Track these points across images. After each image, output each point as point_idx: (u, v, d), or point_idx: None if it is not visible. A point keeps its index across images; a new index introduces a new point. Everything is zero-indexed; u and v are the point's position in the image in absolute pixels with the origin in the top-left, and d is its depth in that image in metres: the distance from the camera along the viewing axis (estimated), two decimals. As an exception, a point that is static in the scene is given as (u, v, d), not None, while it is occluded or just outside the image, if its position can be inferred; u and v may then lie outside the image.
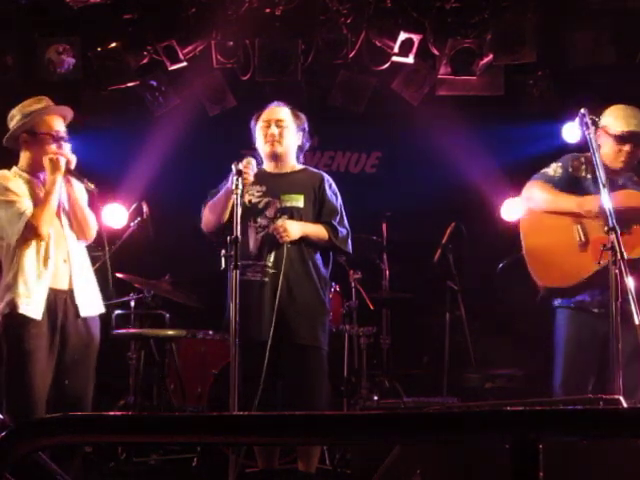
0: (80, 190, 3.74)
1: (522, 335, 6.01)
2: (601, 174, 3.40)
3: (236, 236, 3.49)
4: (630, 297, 3.20)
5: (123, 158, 6.07)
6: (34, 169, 3.67)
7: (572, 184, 3.96)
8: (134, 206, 5.47)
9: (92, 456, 4.66)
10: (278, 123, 3.93)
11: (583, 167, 3.97)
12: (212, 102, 6.26)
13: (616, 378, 3.27)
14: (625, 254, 3.58)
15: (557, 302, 3.99)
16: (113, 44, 5.78)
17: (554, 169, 4.01)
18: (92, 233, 3.75)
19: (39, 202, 3.57)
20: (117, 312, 5.62)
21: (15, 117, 3.65)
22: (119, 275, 5.32)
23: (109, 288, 3.95)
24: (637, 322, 3.12)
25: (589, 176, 3.94)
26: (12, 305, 3.47)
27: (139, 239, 5.45)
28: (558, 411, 1.24)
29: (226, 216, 3.80)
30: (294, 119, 3.98)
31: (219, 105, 6.27)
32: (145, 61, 5.95)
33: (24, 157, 3.68)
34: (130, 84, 5.99)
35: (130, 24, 5.78)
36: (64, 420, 1.39)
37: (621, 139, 3.84)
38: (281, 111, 3.98)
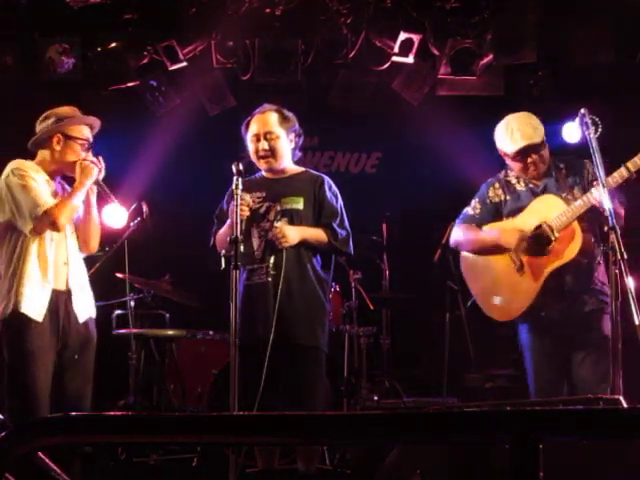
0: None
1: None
2: (601, 174, 3.41)
3: (236, 236, 3.50)
4: (630, 297, 3.20)
5: (123, 158, 6.06)
6: (54, 171, 3.71)
7: (494, 213, 4.00)
8: (134, 206, 5.47)
9: (92, 456, 4.66)
10: (267, 136, 3.85)
11: (499, 192, 4.00)
12: (212, 102, 6.26)
13: (615, 378, 3.28)
14: (561, 262, 3.66)
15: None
16: (113, 44, 5.78)
17: (473, 207, 4.06)
18: (95, 247, 3.83)
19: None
20: (117, 312, 5.62)
21: (50, 118, 3.69)
22: (119, 275, 5.31)
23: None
24: (637, 322, 3.12)
25: (509, 197, 3.97)
26: (15, 305, 3.47)
27: (139, 239, 5.45)
28: (558, 411, 1.24)
29: None
30: (283, 124, 3.89)
31: (219, 105, 6.27)
32: (145, 61, 5.95)
33: (47, 157, 3.69)
34: (130, 84, 5.99)
35: (130, 24, 5.78)
36: (64, 420, 1.39)
37: (519, 156, 3.84)
38: (269, 120, 3.89)
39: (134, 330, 5.37)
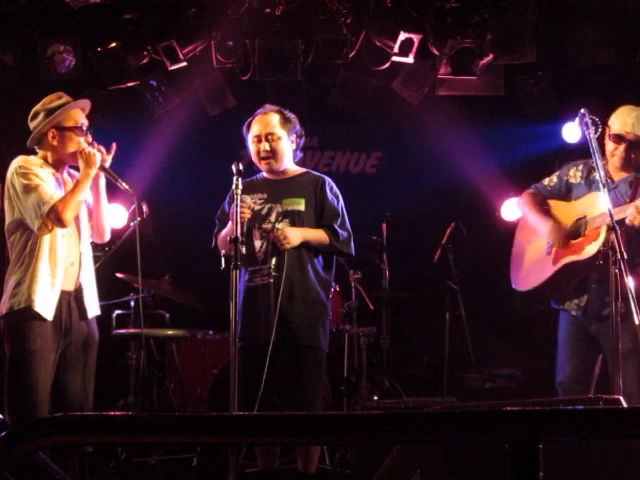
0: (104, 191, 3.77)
1: (522, 335, 6.01)
2: (601, 174, 3.41)
3: (236, 236, 3.50)
4: (630, 297, 3.21)
5: (123, 158, 6.04)
6: (59, 164, 3.67)
7: (565, 192, 4.08)
8: (134, 206, 5.47)
9: (92, 456, 4.66)
10: (269, 137, 3.85)
11: (579, 174, 4.05)
12: (212, 102, 6.26)
13: (615, 378, 3.28)
14: (577, 257, 3.72)
15: (553, 305, 4.08)
16: (113, 44, 5.77)
17: (550, 179, 4.17)
18: (108, 236, 3.82)
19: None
20: (117, 312, 5.62)
21: (39, 114, 3.64)
22: (119, 275, 5.31)
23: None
24: (637, 322, 3.12)
25: (583, 182, 4.02)
26: (28, 302, 3.45)
27: (139, 239, 5.44)
28: (558, 411, 1.24)
29: None
30: (285, 125, 3.90)
31: (219, 105, 6.26)
32: (145, 61, 5.94)
33: (48, 153, 3.65)
34: (130, 84, 5.99)
35: (130, 24, 5.78)
36: (64, 420, 1.39)
37: (616, 139, 3.87)
38: (270, 121, 3.88)
39: (134, 330, 5.37)
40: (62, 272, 3.54)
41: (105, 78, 5.88)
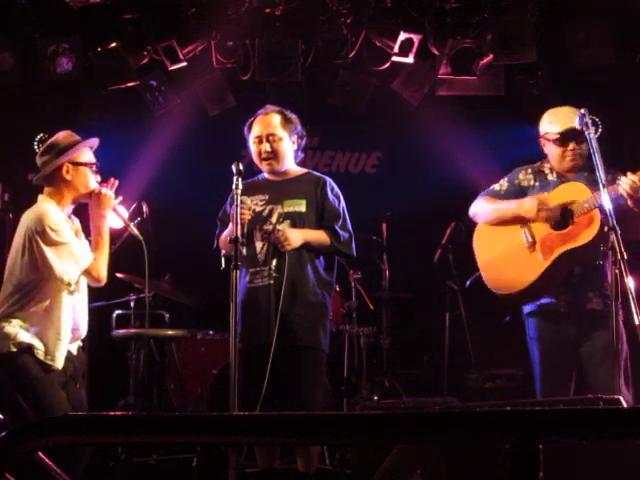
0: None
1: (522, 335, 6.00)
2: (601, 174, 3.40)
3: (236, 236, 3.50)
4: (630, 297, 3.20)
5: (123, 158, 6.07)
6: (67, 206, 3.57)
7: (519, 194, 4.00)
8: (134, 206, 5.47)
9: (92, 456, 4.65)
10: (270, 138, 3.85)
11: (530, 177, 4.02)
12: (212, 102, 6.26)
13: (615, 378, 3.28)
14: (574, 245, 3.66)
15: (526, 309, 3.98)
16: (113, 44, 5.78)
17: (500, 184, 4.08)
18: (103, 281, 3.59)
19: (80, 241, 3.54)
20: (117, 312, 5.62)
21: (52, 149, 3.55)
22: (119, 275, 5.32)
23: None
24: (637, 322, 3.12)
25: (537, 184, 3.98)
26: (38, 353, 3.35)
27: (139, 239, 5.45)
28: (558, 411, 1.24)
29: None
30: (286, 126, 3.89)
31: (219, 105, 6.27)
32: (145, 61, 5.95)
33: (59, 189, 3.54)
34: (130, 84, 5.99)
35: (130, 24, 5.78)
36: (64, 420, 1.39)
37: (562, 140, 3.86)
38: (271, 122, 3.88)
39: (134, 330, 5.37)
40: (73, 323, 3.50)
41: (105, 78, 5.89)
